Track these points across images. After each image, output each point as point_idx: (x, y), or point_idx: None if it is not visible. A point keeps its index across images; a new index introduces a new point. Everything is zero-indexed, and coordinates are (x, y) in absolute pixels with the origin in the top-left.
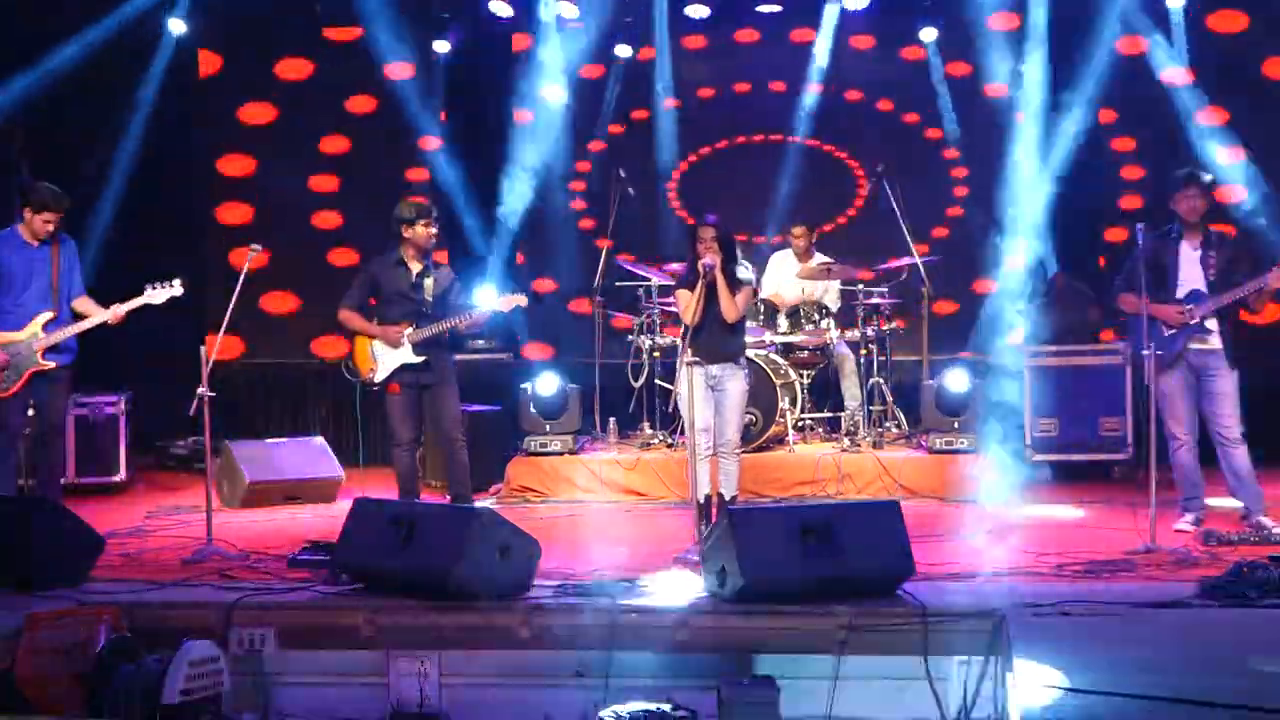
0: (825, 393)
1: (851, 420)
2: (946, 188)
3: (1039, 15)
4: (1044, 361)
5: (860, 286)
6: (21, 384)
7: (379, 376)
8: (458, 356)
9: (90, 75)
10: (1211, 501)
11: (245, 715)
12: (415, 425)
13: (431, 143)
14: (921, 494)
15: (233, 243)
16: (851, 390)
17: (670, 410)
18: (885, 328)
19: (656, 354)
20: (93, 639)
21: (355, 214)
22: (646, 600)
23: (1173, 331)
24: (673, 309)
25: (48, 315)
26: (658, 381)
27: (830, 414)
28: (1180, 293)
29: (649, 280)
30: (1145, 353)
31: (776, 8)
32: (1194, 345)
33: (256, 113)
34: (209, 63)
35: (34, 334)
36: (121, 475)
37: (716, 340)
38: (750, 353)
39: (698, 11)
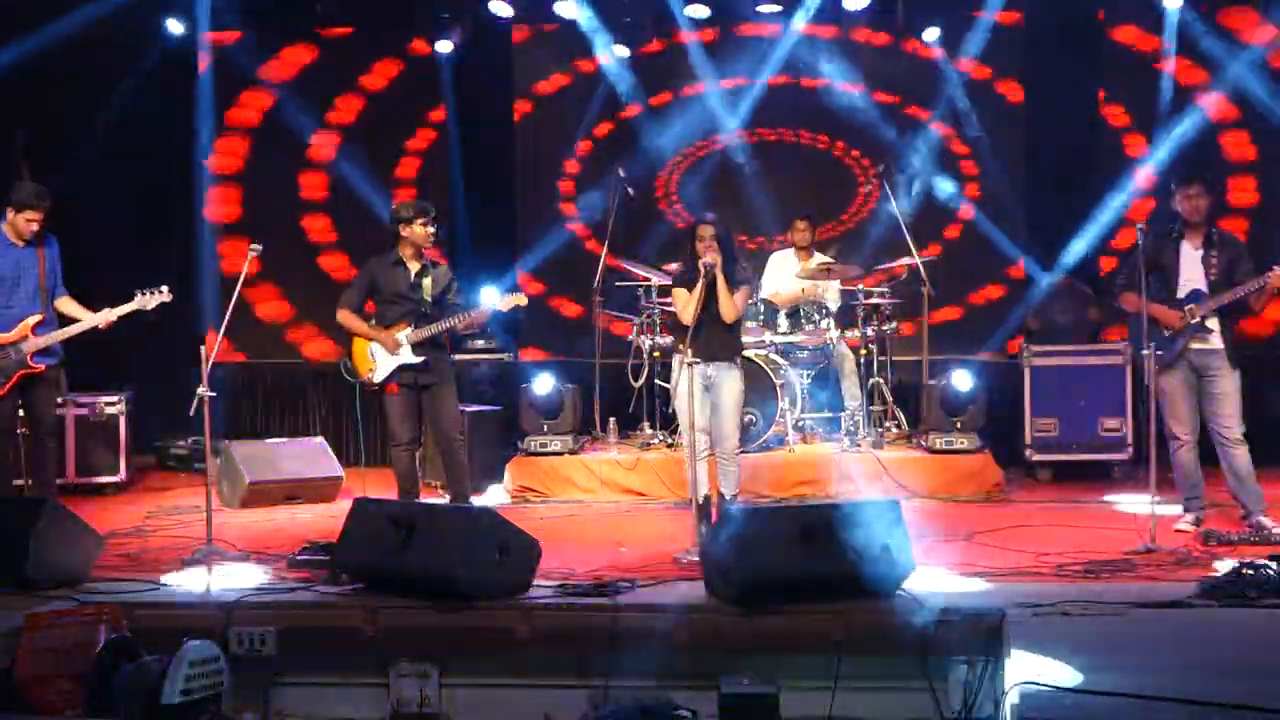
0: (825, 393)
1: (851, 420)
2: (957, 187)
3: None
4: (1044, 361)
5: (860, 286)
6: (10, 386)
7: (378, 377)
8: (456, 356)
9: (82, 71)
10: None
11: (245, 715)
12: (414, 425)
13: (422, 139)
14: (921, 494)
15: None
16: (851, 390)
17: (670, 411)
18: (885, 327)
19: (656, 354)
20: (93, 639)
21: (344, 219)
22: (646, 600)
23: (1173, 331)
24: (672, 309)
25: (36, 317)
26: (657, 381)
27: (830, 414)
28: (1181, 292)
29: (649, 280)
30: (1145, 352)
31: (777, 7)
32: (1195, 345)
33: (248, 107)
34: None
35: (23, 336)
36: (121, 475)
37: (714, 340)
38: (750, 352)
39: (698, 11)
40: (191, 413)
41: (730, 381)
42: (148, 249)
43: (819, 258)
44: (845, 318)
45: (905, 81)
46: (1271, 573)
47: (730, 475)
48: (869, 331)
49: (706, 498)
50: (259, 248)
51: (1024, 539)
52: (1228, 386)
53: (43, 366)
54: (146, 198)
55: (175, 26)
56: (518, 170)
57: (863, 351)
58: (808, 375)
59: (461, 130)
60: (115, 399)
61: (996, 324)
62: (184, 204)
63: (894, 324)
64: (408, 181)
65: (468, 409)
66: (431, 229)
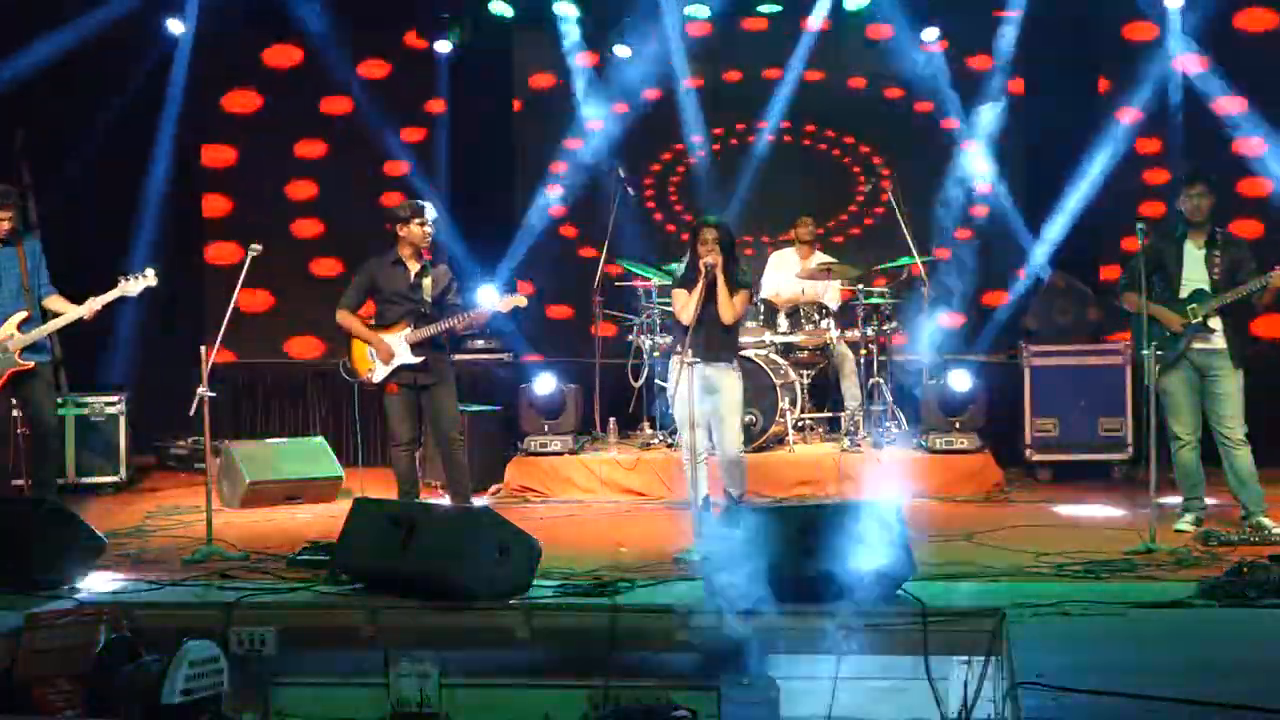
0: (825, 393)
1: (851, 420)
2: (968, 187)
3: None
4: (1044, 361)
5: (860, 286)
6: (0, 385)
7: (377, 377)
8: (456, 357)
9: (82, 71)
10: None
11: (245, 715)
12: (414, 425)
13: (414, 136)
14: (921, 494)
15: (218, 237)
16: (851, 390)
17: (670, 411)
18: (885, 327)
19: (656, 354)
20: (93, 639)
21: (337, 223)
22: (646, 600)
23: (1175, 332)
24: (670, 309)
25: (22, 315)
26: (657, 381)
27: (830, 414)
28: (1184, 292)
29: (649, 280)
30: (1145, 353)
31: (777, 7)
32: (1197, 345)
33: (240, 102)
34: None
35: (10, 334)
36: (121, 475)
37: (713, 340)
38: (750, 352)
39: (699, 11)
40: (191, 413)
41: (730, 384)
42: (148, 249)
43: (819, 256)
44: (845, 318)
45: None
46: (1272, 573)
47: (736, 477)
48: (869, 331)
49: (707, 498)
50: (258, 248)
51: (1024, 539)
52: (1230, 387)
53: (32, 364)
54: (146, 198)
55: (176, 26)
56: (517, 170)
57: (863, 351)
58: (808, 375)
59: (457, 128)
60: (115, 399)
61: (1000, 326)
62: (184, 204)
63: (894, 324)
64: (398, 179)
65: (468, 409)
66: (429, 229)
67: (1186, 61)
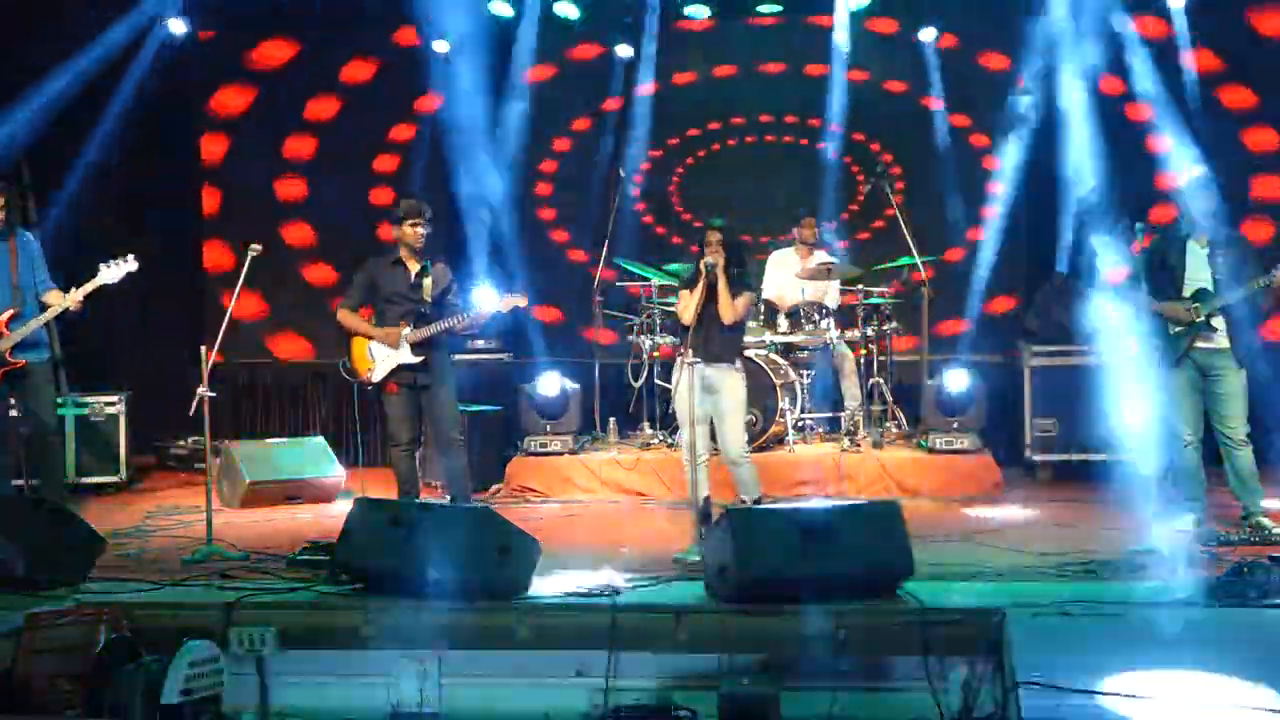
0: (825, 393)
1: (851, 420)
2: (980, 188)
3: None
4: (1044, 361)
5: (860, 286)
6: None
7: (377, 376)
8: (456, 356)
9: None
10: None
11: (245, 715)
12: (414, 425)
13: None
14: (921, 494)
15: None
16: (851, 390)
17: (671, 411)
18: (886, 328)
19: (656, 353)
20: (93, 639)
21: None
22: (646, 600)
23: (1179, 330)
24: (671, 309)
25: (9, 312)
26: (657, 381)
27: (830, 414)
28: (1187, 291)
29: (649, 280)
30: (1146, 352)
31: (777, 7)
32: (1200, 344)
33: (233, 100)
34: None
35: None
36: (121, 475)
37: (713, 340)
38: (750, 352)
39: (699, 11)
40: (191, 413)
41: (732, 385)
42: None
43: (820, 256)
44: (845, 318)
45: (915, 71)
46: (1272, 573)
47: (746, 482)
48: (869, 331)
49: (707, 498)
50: (258, 248)
51: (1024, 539)
52: (1232, 386)
53: (23, 361)
54: (146, 198)
55: (176, 26)
56: (509, 169)
57: (862, 351)
58: (808, 375)
59: (448, 125)
60: (115, 399)
61: (1000, 326)
62: (184, 204)
63: (894, 324)
64: (388, 176)
65: (468, 409)
66: (423, 230)
67: (1199, 59)
